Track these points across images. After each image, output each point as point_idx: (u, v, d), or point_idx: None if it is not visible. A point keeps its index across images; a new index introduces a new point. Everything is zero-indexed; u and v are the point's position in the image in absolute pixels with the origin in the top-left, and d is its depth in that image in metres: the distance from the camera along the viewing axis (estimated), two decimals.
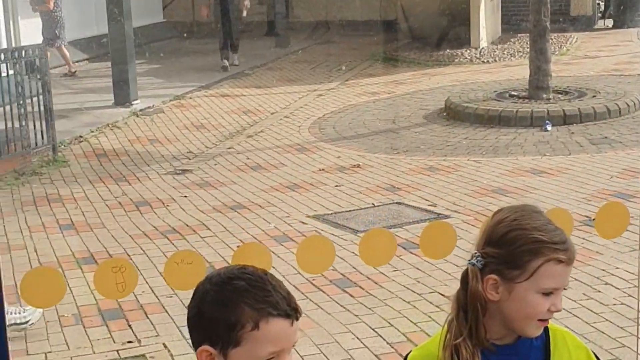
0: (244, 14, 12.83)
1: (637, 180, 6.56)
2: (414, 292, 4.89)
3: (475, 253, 1.90)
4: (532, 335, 1.91)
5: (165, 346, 4.42)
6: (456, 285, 5.14)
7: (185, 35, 15.54)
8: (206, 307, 1.69)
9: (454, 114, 9.15)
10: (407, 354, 2.00)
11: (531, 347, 1.95)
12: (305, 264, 2.26)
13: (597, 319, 4.44)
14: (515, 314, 1.87)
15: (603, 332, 4.29)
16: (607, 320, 4.44)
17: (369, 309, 4.71)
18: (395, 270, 5.16)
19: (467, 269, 1.90)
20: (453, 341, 1.87)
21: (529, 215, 1.90)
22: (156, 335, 4.55)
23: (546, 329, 1.96)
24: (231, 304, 1.66)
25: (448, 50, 13.50)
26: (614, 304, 4.61)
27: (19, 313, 4.60)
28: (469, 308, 1.87)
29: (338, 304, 4.79)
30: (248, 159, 8.09)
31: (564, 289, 1.90)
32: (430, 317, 4.56)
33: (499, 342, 1.93)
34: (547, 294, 1.86)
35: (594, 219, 5.61)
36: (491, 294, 1.88)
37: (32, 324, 4.63)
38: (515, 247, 1.85)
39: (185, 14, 16.66)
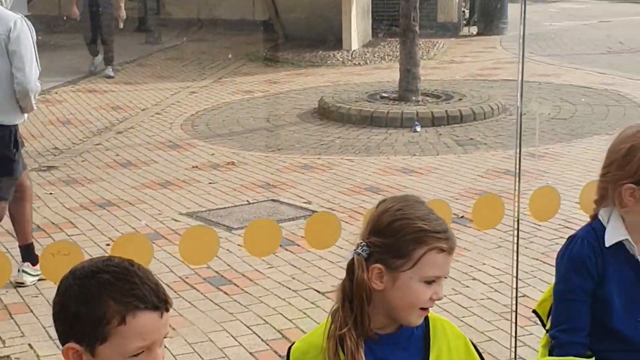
0: (121, 25, 12.27)
1: (501, 180, 6.80)
2: (289, 288, 4.89)
3: (361, 242, 1.91)
4: (415, 324, 1.94)
5: (31, 347, 4.25)
6: (331, 282, 5.16)
7: (51, 29, 15.00)
8: (70, 303, 1.63)
9: (327, 113, 9.24)
10: (291, 346, 1.98)
11: (412, 336, 1.97)
12: (188, 255, 2.20)
13: (465, 314, 4.57)
14: (398, 302, 1.89)
15: (471, 326, 4.41)
16: (475, 314, 4.57)
17: (244, 306, 4.67)
18: (270, 268, 5.15)
19: (352, 259, 1.90)
20: (338, 331, 1.87)
21: (412, 205, 1.93)
22: (21, 336, 4.36)
23: (426, 319, 2.00)
24: (95, 298, 1.61)
25: (321, 52, 13.63)
26: (482, 299, 4.76)
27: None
28: (355, 298, 1.88)
29: (212, 302, 4.73)
30: (117, 155, 7.89)
31: (445, 277, 1.94)
32: (305, 313, 4.56)
33: (381, 331, 1.94)
34: (429, 282, 1.90)
35: (462, 217, 5.81)
36: (376, 283, 1.89)
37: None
38: (400, 236, 1.87)
39: (51, 8, 16.08)
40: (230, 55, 13.05)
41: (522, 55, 2.70)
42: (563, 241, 4.94)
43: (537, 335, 4.14)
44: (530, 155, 7.26)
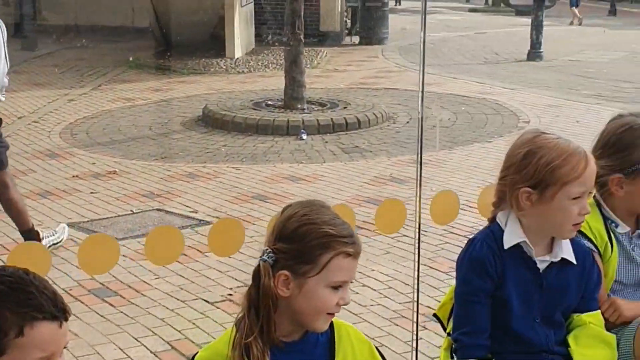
0: None
1: (387, 186, 6.89)
2: (177, 299, 4.78)
3: (267, 249, 1.87)
4: (321, 330, 1.91)
5: None
6: (220, 292, 5.06)
7: None
8: None
9: (212, 121, 9.15)
10: (194, 355, 1.93)
11: (317, 343, 1.95)
12: (86, 264, 2.10)
13: (356, 320, 4.58)
14: (305, 309, 1.87)
15: (363, 332, 4.42)
16: (365, 320, 4.59)
17: (131, 318, 4.54)
18: (157, 278, 5.02)
19: (259, 265, 1.86)
20: (244, 340, 1.82)
21: (317, 209, 1.90)
22: None
23: (331, 325, 1.98)
24: None
25: (204, 59, 13.52)
26: (372, 305, 4.78)
27: (53, 235, 5.38)
28: (261, 305, 1.84)
29: (98, 314, 4.57)
30: None
31: (351, 282, 1.92)
32: (194, 324, 4.47)
33: (286, 339, 1.91)
34: (336, 287, 1.88)
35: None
36: (282, 290, 1.86)
37: (63, 240, 5.43)
38: (306, 241, 1.85)
39: None
40: (131, 58, 12.75)
41: (423, 65, 2.73)
42: (448, 246, 5.04)
43: (427, 340, 4.20)
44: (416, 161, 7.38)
